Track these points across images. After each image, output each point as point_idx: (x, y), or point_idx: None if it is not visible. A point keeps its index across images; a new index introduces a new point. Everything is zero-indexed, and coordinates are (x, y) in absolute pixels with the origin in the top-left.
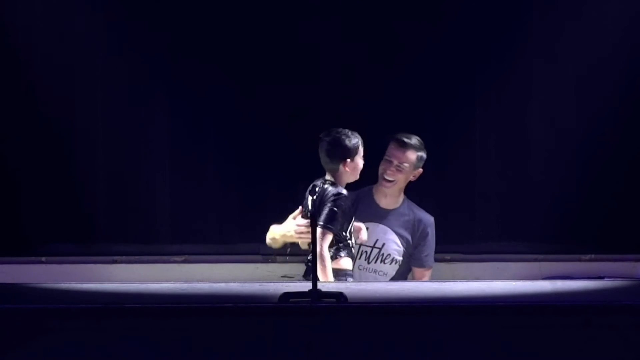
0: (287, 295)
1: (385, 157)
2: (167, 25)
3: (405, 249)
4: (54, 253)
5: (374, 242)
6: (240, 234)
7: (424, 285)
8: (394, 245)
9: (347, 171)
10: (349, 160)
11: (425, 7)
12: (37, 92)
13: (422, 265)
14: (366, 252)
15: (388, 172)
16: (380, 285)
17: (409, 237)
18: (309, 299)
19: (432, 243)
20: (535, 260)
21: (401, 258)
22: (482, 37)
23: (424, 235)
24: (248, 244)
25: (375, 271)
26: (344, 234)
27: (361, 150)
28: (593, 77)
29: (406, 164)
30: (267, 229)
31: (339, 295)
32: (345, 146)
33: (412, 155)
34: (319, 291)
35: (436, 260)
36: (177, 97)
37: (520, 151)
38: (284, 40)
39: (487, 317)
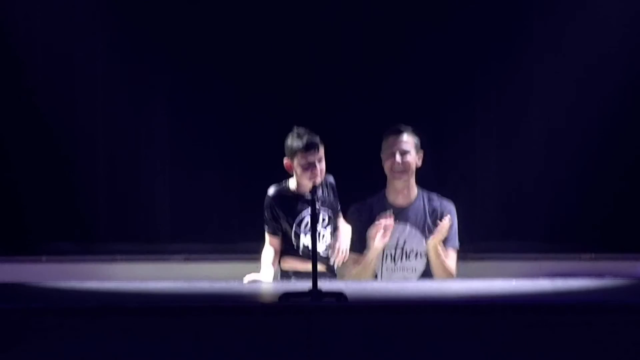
0: (287, 295)
1: (387, 152)
2: (167, 25)
3: (422, 235)
4: (54, 252)
5: (395, 242)
6: (241, 233)
7: (424, 285)
8: (416, 240)
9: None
10: (285, 159)
11: (425, 4)
12: (38, 92)
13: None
14: (391, 253)
15: (395, 163)
16: (380, 285)
17: (430, 228)
18: (309, 299)
19: (452, 227)
20: (535, 259)
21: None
22: (482, 37)
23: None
24: (249, 243)
25: (403, 269)
26: (286, 230)
27: (307, 152)
28: (593, 77)
29: (408, 147)
30: None
31: (339, 295)
32: (285, 144)
33: (410, 138)
34: (319, 291)
35: None
36: (177, 97)
37: (520, 151)
38: (283, 39)
39: (487, 316)
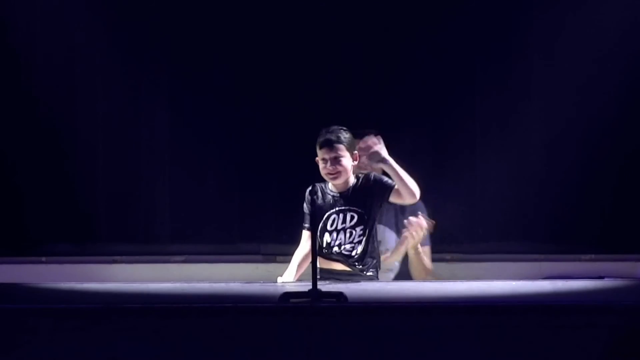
0: (287, 295)
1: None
2: (168, 26)
3: (396, 234)
4: (54, 253)
5: None
6: (240, 234)
7: (424, 285)
8: (391, 240)
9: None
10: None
11: (426, 2)
12: (37, 92)
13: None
14: None
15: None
16: (380, 285)
17: (403, 226)
18: (309, 299)
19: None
20: (535, 260)
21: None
22: (482, 36)
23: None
24: (248, 243)
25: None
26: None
27: (322, 150)
28: (593, 76)
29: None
30: (267, 229)
31: (339, 295)
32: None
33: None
34: (319, 291)
35: (436, 260)
36: (177, 97)
37: (520, 151)
38: (284, 42)
39: (487, 317)
